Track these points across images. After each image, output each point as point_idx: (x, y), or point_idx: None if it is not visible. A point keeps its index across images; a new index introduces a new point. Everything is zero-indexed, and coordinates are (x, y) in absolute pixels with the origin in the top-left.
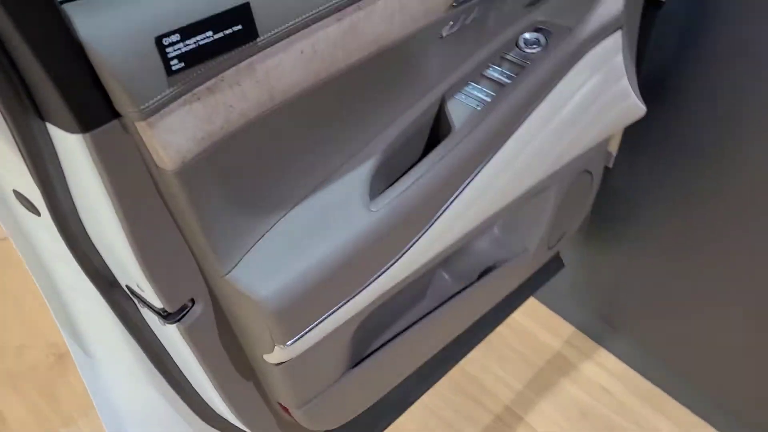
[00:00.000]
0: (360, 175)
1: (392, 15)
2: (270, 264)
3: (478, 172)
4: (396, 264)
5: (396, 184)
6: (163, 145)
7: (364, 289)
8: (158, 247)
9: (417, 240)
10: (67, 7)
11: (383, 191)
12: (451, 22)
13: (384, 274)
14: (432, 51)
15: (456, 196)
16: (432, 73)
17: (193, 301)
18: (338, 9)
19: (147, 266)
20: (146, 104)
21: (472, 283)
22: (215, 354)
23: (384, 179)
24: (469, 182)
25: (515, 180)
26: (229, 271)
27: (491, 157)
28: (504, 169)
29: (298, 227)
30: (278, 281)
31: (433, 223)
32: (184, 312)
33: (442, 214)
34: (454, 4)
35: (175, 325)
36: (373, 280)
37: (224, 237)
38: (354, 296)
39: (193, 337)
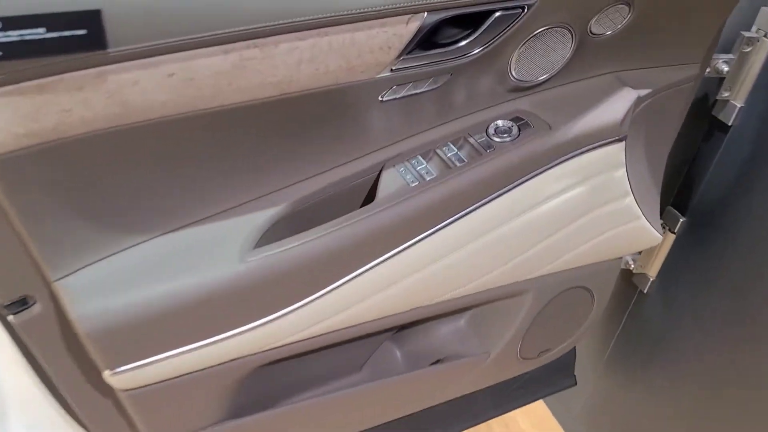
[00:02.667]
0: (247, 221)
1: (298, 63)
2: (104, 283)
3: (395, 253)
4: (267, 326)
5: (282, 241)
6: None
7: (223, 341)
8: None
9: (298, 308)
10: None
11: (263, 245)
12: (394, 87)
13: (250, 333)
14: (367, 113)
15: (360, 272)
16: (366, 137)
17: (30, 298)
18: (225, 41)
19: None
20: None
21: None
22: (61, 358)
23: (287, 234)
24: (381, 261)
25: (454, 274)
26: (60, 278)
27: (415, 241)
28: (435, 257)
29: (156, 255)
30: (103, 303)
31: (324, 295)
32: (22, 308)
33: (338, 287)
34: (393, 69)
35: (10, 317)
36: (236, 335)
37: (56, 242)
38: (208, 345)
39: (30, 335)
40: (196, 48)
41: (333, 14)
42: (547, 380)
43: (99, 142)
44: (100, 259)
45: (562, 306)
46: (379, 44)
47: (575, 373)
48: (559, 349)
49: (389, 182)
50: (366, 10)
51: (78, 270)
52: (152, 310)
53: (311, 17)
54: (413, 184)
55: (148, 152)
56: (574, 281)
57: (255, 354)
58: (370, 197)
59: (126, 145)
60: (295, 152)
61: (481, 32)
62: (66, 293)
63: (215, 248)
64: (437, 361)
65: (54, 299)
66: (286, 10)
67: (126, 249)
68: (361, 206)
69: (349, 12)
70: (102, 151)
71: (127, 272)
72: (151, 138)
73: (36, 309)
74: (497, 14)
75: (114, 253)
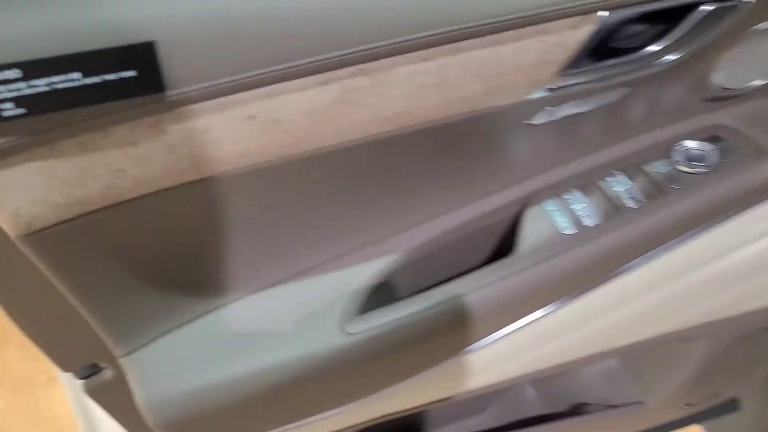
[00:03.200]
0: (349, 277)
1: (421, 91)
2: (175, 360)
3: (537, 318)
4: (372, 403)
5: (395, 306)
6: None
7: (318, 422)
8: (31, 305)
9: (413, 381)
10: None
11: (372, 311)
12: (548, 108)
13: (350, 413)
14: (507, 141)
15: (496, 339)
16: (503, 168)
17: (100, 365)
18: (322, 70)
19: (19, 322)
20: None
21: (558, 413)
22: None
23: (395, 294)
24: (519, 327)
25: (611, 332)
26: (127, 354)
27: (566, 303)
28: (588, 318)
29: (236, 323)
30: (173, 385)
31: (441, 367)
32: (92, 373)
33: (462, 357)
34: (550, 88)
35: (81, 382)
36: (334, 416)
37: (116, 316)
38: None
39: (102, 401)
40: (283, 81)
41: (471, 25)
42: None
43: (161, 202)
44: (170, 330)
45: (741, 348)
46: (532, 59)
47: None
48: (730, 392)
49: (534, 226)
50: (517, 16)
51: (145, 344)
52: (231, 392)
53: (441, 31)
54: (567, 232)
55: (223, 206)
56: (762, 322)
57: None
58: (505, 243)
59: (194, 200)
60: (409, 192)
61: (682, 33)
62: (133, 372)
63: (309, 314)
64: (578, 404)
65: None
66: (410, 25)
67: (201, 316)
68: (492, 256)
69: (495, 20)
70: (165, 210)
71: (202, 345)
72: (226, 191)
73: (107, 374)
74: (705, 8)
75: (187, 322)
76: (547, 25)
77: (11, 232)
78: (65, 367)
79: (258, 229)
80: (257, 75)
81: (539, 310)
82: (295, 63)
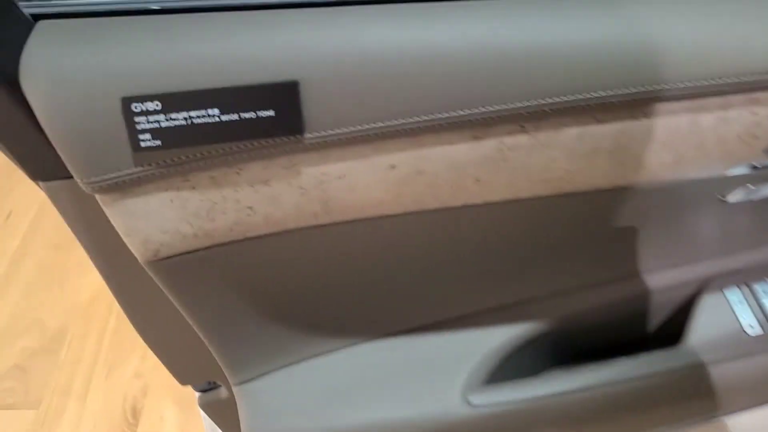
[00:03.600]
0: (480, 339)
1: (591, 154)
2: (287, 398)
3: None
4: None
5: (532, 381)
6: (126, 230)
7: None
8: (155, 321)
9: None
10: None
11: (501, 382)
12: (748, 186)
13: None
14: (694, 215)
15: None
16: (685, 244)
17: (216, 383)
18: (477, 124)
19: (143, 334)
20: (97, 178)
21: None
22: None
23: (529, 365)
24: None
25: None
26: (239, 383)
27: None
28: None
29: (350, 369)
30: (283, 424)
31: None
32: (209, 388)
33: None
34: (756, 166)
35: (197, 394)
36: None
37: (232, 346)
38: None
39: (211, 414)
40: (430, 133)
41: (667, 87)
42: None
43: (287, 241)
44: (284, 366)
45: None
46: (738, 131)
47: None
48: None
49: (712, 316)
50: (727, 81)
51: (258, 376)
52: None
53: (626, 93)
54: (751, 332)
55: (350, 249)
56: None
57: None
58: (670, 326)
59: (321, 242)
60: (561, 257)
61: None
62: (242, 401)
63: (432, 372)
64: None
65: None
66: (587, 83)
67: (317, 356)
68: (652, 336)
69: (699, 84)
70: (290, 250)
71: (315, 385)
72: (355, 237)
73: (222, 393)
74: None
75: (302, 360)
76: (761, 94)
77: (139, 257)
78: (183, 380)
79: (385, 276)
80: (403, 124)
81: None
82: (446, 115)
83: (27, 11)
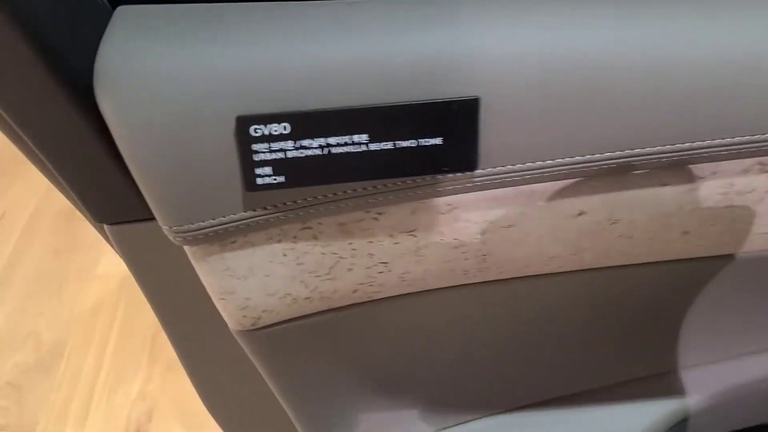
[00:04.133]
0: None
1: None
2: None
3: None
4: None
5: None
6: (221, 292)
7: None
8: (228, 393)
9: None
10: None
11: None
12: None
13: None
14: None
15: None
16: None
17: None
18: (689, 160)
19: (211, 410)
20: (193, 226)
21: None
22: None
23: None
24: None
25: None
26: None
27: None
28: None
29: None
30: None
31: None
32: None
33: None
34: None
35: None
36: None
37: (335, 423)
38: None
39: None
40: (638, 171)
41: None
42: None
43: (420, 304)
44: None
45: None
46: None
47: None
48: None
49: None
50: None
51: None
52: None
53: None
54: None
55: (493, 314)
56: None
57: None
58: None
59: (463, 305)
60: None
61: None
62: None
63: None
64: None
65: None
66: None
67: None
68: None
69: None
70: (422, 314)
71: None
72: (504, 299)
73: None
74: None
75: None
76: None
77: (233, 325)
78: None
79: (533, 341)
80: (610, 160)
81: None
82: (672, 147)
83: None
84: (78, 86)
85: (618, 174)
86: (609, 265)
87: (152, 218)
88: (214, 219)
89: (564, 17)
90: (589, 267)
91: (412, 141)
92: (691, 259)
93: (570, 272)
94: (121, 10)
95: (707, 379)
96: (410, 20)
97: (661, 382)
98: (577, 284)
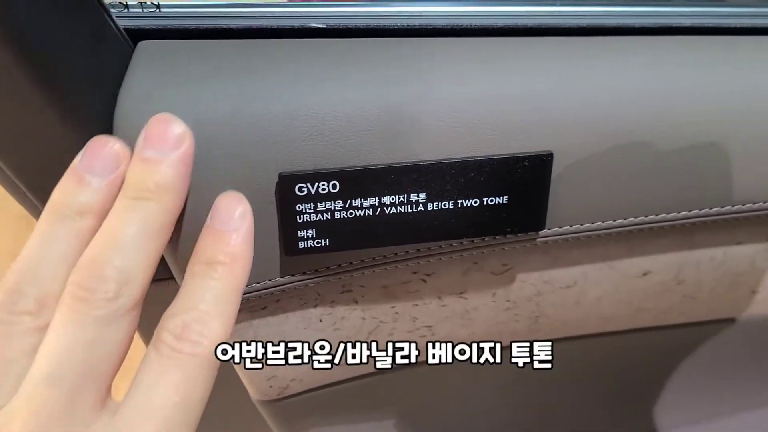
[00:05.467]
0: None
1: None
2: None
3: None
4: None
5: None
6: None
7: None
8: None
9: None
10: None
11: None
12: None
13: None
14: None
15: None
16: None
17: None
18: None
19: None
20: None
21: None
22: None
23: None
24: None
25: None
26: None
27: None
28: None
29: None
30: None
31: None
32: None
33: None
34: None
35: None
36: None
37: None
38: None
39: None
40: (706, 229)
41: None
42: None
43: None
44: None
45: None
46: None
47: None
48: None
49: None
50: None
51: None
52: None
53: None
54: None
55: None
56: None
57: None
58: None
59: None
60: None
61: None
62: None
63: None
64: None
65: None
66: None
67: None
68: None
69: None
70: (460, 379)
71: None
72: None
73: None
74: None
75: None
76: None
77: (257, 395)
78: None
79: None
80: (683, 218)
81: None
82: (747, 207)
83: (121, 23)
84: (94, 131)
85: (687, 232)
86: (667, 324)
87: (170, 277)
88: (246, 287)
89: (640, 68)
90: (643, 327)
91: (475, 200)
92: (753, 315)
93: (618, 332)
94: (144, 46)
95: None
96: (476, 68)
97: None
98: (626, 343)
